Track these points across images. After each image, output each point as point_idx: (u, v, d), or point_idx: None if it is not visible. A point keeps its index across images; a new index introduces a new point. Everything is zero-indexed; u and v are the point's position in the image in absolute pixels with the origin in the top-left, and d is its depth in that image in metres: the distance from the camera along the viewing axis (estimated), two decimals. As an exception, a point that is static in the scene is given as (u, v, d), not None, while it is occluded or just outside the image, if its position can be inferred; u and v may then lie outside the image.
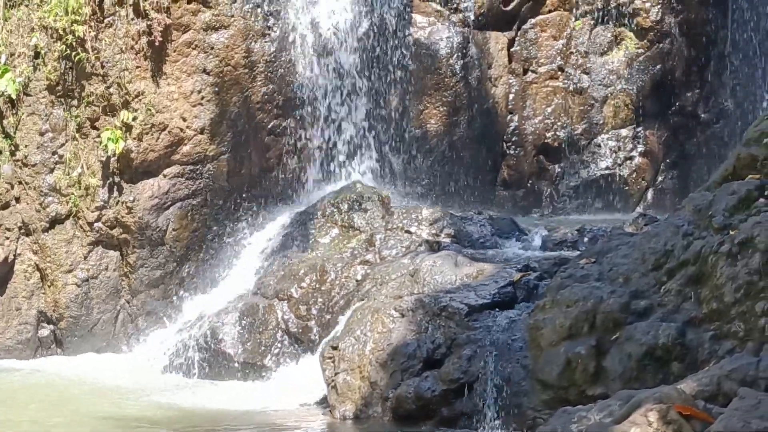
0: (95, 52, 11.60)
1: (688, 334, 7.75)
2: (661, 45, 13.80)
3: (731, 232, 7.77)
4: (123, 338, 11.85)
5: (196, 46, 11.80)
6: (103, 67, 11.63)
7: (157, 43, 11.63)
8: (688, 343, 7.73)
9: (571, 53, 13.82)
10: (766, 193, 7.87)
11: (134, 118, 11.58)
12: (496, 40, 13.51)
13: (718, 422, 5.55)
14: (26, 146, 11.78)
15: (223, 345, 10.97)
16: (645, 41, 13.81)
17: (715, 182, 8.37)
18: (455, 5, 13.16)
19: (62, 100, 11.75)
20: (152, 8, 11.58)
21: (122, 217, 11.66)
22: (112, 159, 11.63)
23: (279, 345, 10.88)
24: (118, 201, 11.65)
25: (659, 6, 13.72)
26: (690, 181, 13.52)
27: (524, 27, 13.75)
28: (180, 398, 10.12)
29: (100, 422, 9.24)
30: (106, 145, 11.53)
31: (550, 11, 13.79)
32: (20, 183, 11.81)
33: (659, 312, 7.98)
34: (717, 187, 8.27)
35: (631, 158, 13.84)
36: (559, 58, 13.79)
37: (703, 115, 13.95)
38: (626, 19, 13.80)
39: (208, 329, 11.10)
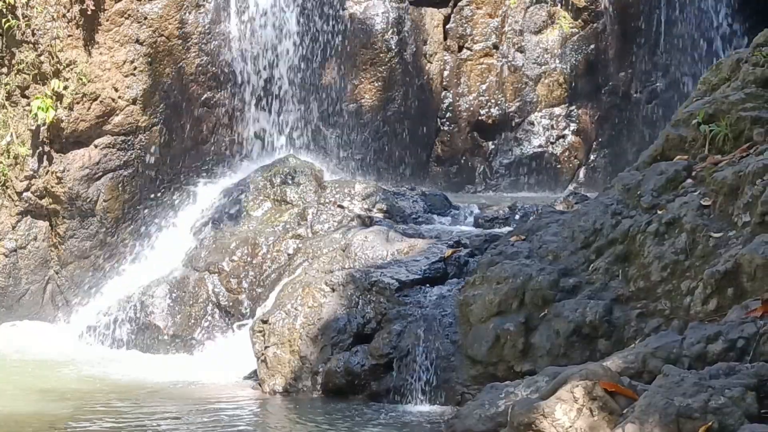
0: (26, 19, 11.42)
1: (615, 312, 7.84)
2: (594, 25, 13.90)
3: (659, 212, 7.87)
4: (52, 309, 11.75)
5: (130, 15, 11.67)
6: (34, 34, 11.47)
7: (89, 12, 11.49)
8: (615, 320, 7.81)
9: (506, 31, 13.87)
10: (693, 173, 7.98)
11: (65, 87, 11.44)
12: (432, 17, 13.52)
13: (642, 399, 5.62)
14: (-46, 114, 11.61)
15: (153, 317, 10.92)
16: (579, 21, 13.90)
17: (645, 162, 8.46)
18: (392, -20, 13.15)
19: (-9, 67, 11.58)
20: (85, -24, 11.45)
21: (52, 187, 11.53)
22: (43, 128, 11.48)
23: (209, 318, 10.84)
24: (48, 171, 11.52)
25: (594, -14, 13.82)
26: (621, 160, 13.64)
27: (460, 4, 13.78)
28: (109, 370, 10.07)
29: (29, 394, 9.15)
30: (36, 114, 11.38)
31: (486, -11, 13.83)
32: (-52, 151, 11.64)
33: (587, 290, 8.06)
34: (646, 167, 8.37)
35: (563, 136, 13.94)
36: (494, 36, 13.84)
37: (635, 95, 14.09)
38: (561, -2, 13.89)
39: (137, 301, 11.04)
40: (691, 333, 6.59)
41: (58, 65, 11.46)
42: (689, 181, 7.97)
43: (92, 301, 11.60)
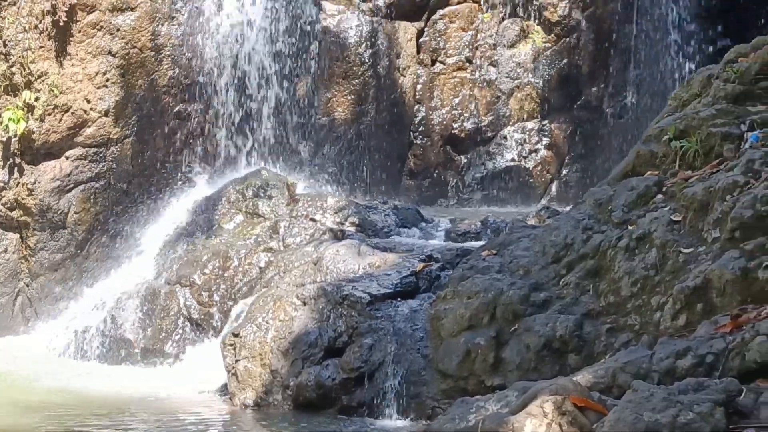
0: (-3, 30, 11.42)
1: (586, 327, 7.84)
2: (567, 39, 13.95)
3: (630, 227, 7.88)
4: (22, 321, 11.69)
5: (102, 27, 11.65)
6: (5, 45, 11.43)
7: (61, 23, 11.46)
8: (585, 335, 7.82)
9: (479, 45, 13.91)
10: (664, 189, 8.00)
11: (37, 99, 11.41)
12: (405, 30, 13.54)
13: (612, 414, 5.62)
14: (-76, 124, 11.54)
15: (124, 330, 10.87)
16: (552, 35, 13.95)
17: (616, 177, 8.48)
18: (365, -6, 13.18)
19: (-39, 78, 11.53)
20: (57, -13, 11.42)
21: (23, 198, 11.48)
22: (13, 139, 11.44)
23: (180, 331, 10.80)
24: (19, 182, 11.47)
25: (567, 1, 13.86)
26: (594, 174, 13.69)
27: (433, 18, 13.82)
28: (79, 383, 10.02)
29: (-4, 407, 9.12)
30: (7, 126, 11.35)
31: (459, 3, 13.87)
32: None
33: (558, 304, 8.06)
34: (617, 183, 8.38)
35: (536, 151, 13.98)
36: (467, 50, 13.87)
37: (607, 110, 14.14)
38: (534, 13, 13.92)
39: (108, 314, 11.00)
40: (660, 348, 6.60)
41: (30, 76, 11.42)
42: (660, 196, 7.99)
43: (63, 313, 11.55)
